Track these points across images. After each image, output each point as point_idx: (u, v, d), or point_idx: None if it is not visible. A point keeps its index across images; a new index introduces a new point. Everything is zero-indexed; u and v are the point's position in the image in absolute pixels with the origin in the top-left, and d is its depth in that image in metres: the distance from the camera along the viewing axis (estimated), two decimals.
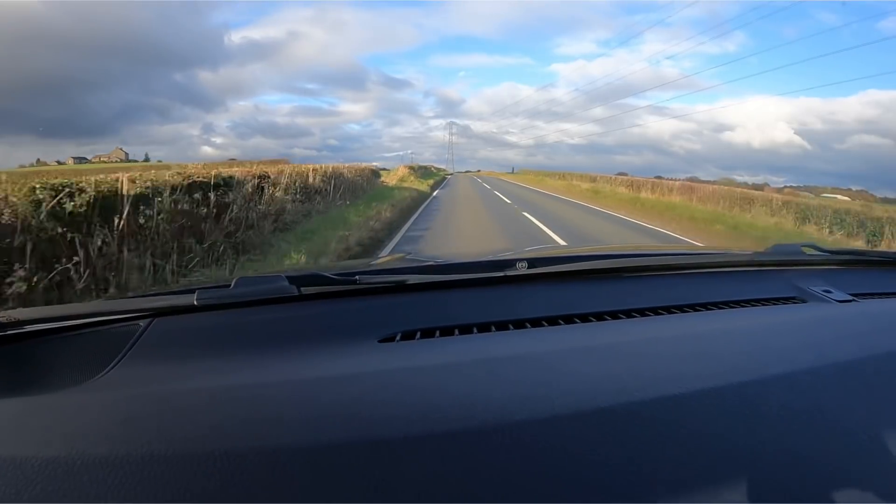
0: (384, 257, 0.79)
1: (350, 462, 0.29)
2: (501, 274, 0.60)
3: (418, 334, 0.48)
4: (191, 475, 0.29)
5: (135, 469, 0.29)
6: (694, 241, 5.85)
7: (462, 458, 0.30)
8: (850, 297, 0.63)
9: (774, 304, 0.62)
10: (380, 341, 0.47)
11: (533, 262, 0.62)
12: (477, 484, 0.28)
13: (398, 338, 0.48)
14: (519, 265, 0.61)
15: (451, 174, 45.54)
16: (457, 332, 0.49)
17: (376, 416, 0.33)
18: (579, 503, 0.27)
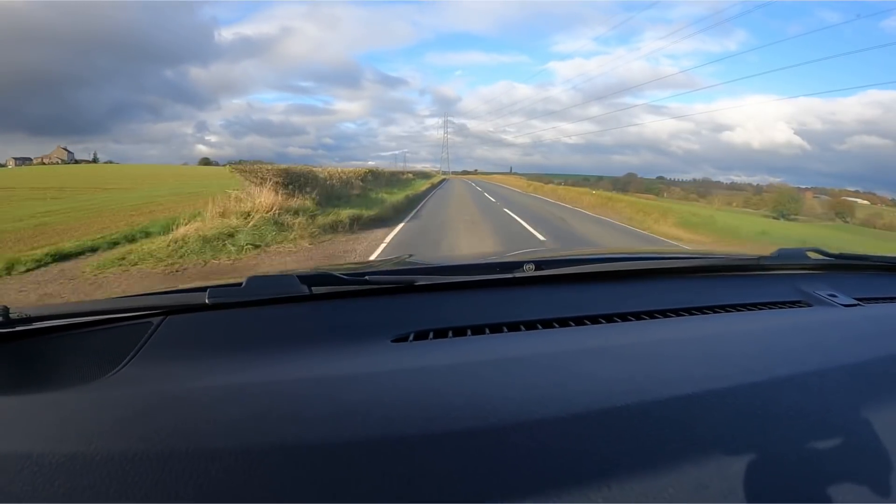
0: (390, 259, 0.83)
1: (371, 459, 0.32)
2: (510, 275, 0.65)
3: (431, 334, 0.52)
4: (210, 472, 0.31)
5: (153, 465, 0.31)
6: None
7: (482, 456, 0.33)
8: (855, 301, 0.69)
9: (780, 307, 0.67)
10: (393, 341, 0.50)
11: (540, 265, 0.67)
12: (497, 481, 0.31)
13: (411, 338, 0.51)
14: (526, 267, 0.66)
15: (444, 179, 36.45)
16: (469, 332, 0.53)
17: (395, 414, 0.36)
18: (599, 501, 0.30)
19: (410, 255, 1.07)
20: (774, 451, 0.35)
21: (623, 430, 0.35)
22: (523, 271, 0.66)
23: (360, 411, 0.37)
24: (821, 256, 0.84)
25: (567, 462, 0.32)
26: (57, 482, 0.30)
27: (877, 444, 0.37)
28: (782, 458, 0.35)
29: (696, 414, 0.38)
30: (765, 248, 0.84)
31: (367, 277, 0.59)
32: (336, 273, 0.59)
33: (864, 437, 0.38)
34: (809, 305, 0.68)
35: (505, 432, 0.34)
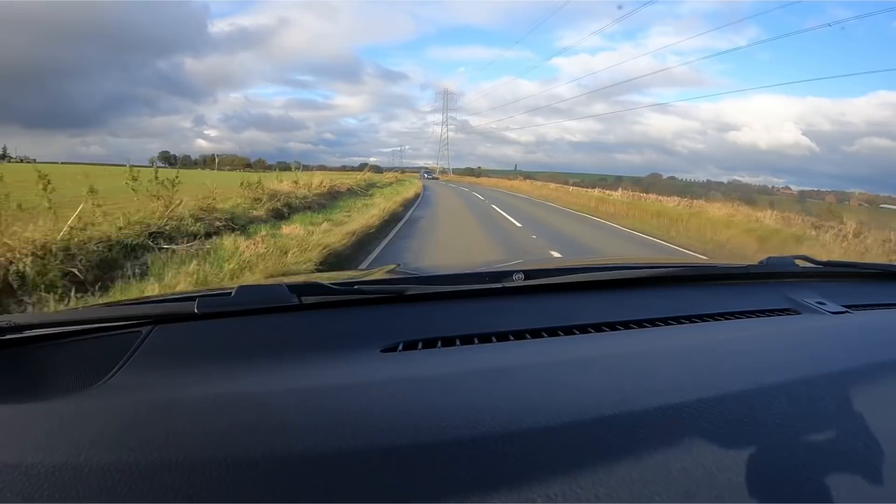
0: (379, 269, 0.90)
1: (359, 469, 0.34)
2: (499, 285, 0.70)
3: (420, 344, 0.56)
4: (199, 482, 0.33)
5: (144, 475, 0.33)
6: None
7: (472, 466, 0.35)
8: (844, 309, 0.74)
9: (769, 315, 0.72)
10: (382, 351, 0.54)
11: (529, 274, 0.72)
12: (486, 490, 0.33)
13: (400, 348, 0.55)
14: (516, 277, 0.71)
15: (417, 196, 15.70)
16: (458, 342, 0.57)
17: (385, 424, 0.39)
18: None
19: (401, 265, 1.16)
20: (762, 458, 0.38)
21: (611, 440, 0.38)
22: (512, 281, 0.70)
23: (347, 421, 0.39)
24: (809, 264, 0.90)
25: (555, 471, 0.35)
26: (46, 492, 0.32)
27: (865, 451, 0.40)
28: (770, 465, 0.37)
29: (685, 423, 0.40)
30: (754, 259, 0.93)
31: (356, 287, 0.63)
32: (325, 283, 0.63)
33: (853, 445, 0.41)
34: (798, 313, 0.74)
35: (493, 441, 0.37)
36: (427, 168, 57.42)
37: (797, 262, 0.91)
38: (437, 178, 50.01)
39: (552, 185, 29.18)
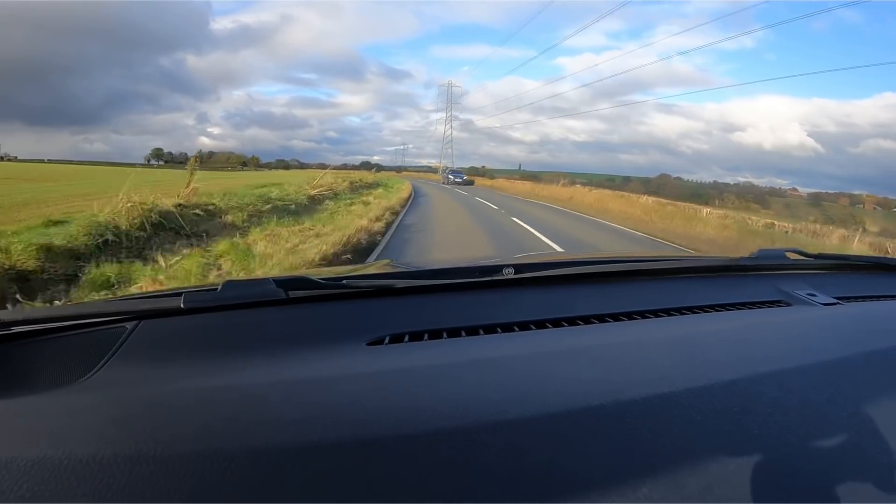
0: (371, 264, 0.92)
1: (342, 461, 0.34)
2: (489, 279, 0.70)
3: (406, 337, 0.56)
4: (181, 475, 0.33)
5: (124, 469, 0.33)
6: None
7: (455, 456, 0.35)
8: (835, 300, 0.75)
9: (760, 307, 0.73)
10: (368, 344, 0.54)
11: (520, 268, 0.73)
12: (471, 481, 0.33)
13: (386, 341, 0.55)
14: (506, 271, 0.71)
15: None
16: (445, 335, 0.57)
17: (368, 415, 0.39)
18: (575, 502, 0.33)
19: (394, 261, 1.18)
20: (752, 447, 0.38)
21: (599, 430, 0.38)
22: (502, 275, 0.71)
23: (329, 413, 0.39)
24: (800, 257, 0.91)
25: (541, 462, 0.35)
26: (25, 485, 0.33)
27: (856, 439, 0.40)
28: (760, 454, 0.37)
29: (674, 413, 0.40)
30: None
31: (344, 281, 0.64)
32: (313, 277, 0.63)
33: (843, 433, 0.41)
34: (789, 305, 0.74)
35: (478, 432, 0.37)
36: (455, 169, 38.71)
37: (788, 254, 0.92)
38: (470, 184, 30.67)
39: (645, 200, 16.98)
